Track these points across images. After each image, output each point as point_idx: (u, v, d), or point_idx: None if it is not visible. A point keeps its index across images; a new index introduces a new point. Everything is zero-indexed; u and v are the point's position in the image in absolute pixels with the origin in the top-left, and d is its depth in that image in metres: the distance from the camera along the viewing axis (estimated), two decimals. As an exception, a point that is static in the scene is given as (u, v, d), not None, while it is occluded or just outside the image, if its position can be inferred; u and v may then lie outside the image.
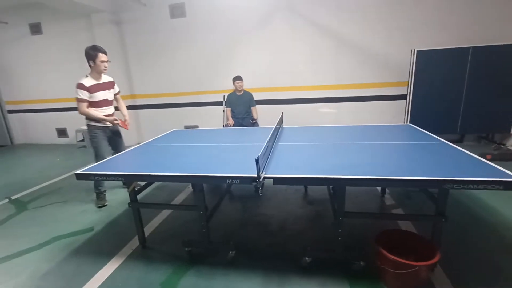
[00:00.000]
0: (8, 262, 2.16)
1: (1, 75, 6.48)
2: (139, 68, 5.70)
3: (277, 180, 1.54)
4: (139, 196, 2.15)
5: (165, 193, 3.28)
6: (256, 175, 1.50)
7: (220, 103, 5.23)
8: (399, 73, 4.60)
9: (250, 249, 2.11)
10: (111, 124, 2.97)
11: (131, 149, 2.52)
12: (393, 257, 1.52)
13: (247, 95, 4.57)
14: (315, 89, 5.01)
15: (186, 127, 5.73)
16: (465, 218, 2.37)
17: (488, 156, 3.61)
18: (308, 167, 1.75)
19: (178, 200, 3.10)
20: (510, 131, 4.00)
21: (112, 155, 2.77)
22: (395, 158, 1.87)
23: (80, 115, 2.81)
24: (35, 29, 5.91)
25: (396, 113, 4.78)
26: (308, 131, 2.88)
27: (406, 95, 4.50)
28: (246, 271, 1.87)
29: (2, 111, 6.68)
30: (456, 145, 2.00)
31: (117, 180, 1.81)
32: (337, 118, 5.03)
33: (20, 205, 3.23)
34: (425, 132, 2.48)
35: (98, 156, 2.84)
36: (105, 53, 2.76)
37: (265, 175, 1.55)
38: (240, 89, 4.49)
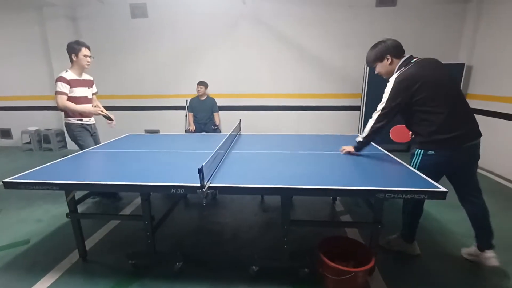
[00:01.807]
0: None
1: None
2: (94, 68, 5.36)
3: (222, 190, 1.54)
4: (84, 206, 2.02)
5: (116, 201, 3.11)
6: (199, 184, 1.48)
7: (182, 108, 5.12)
8: (354, 86, 4.90)
9: (200, 259, 2.07)
10: (93, 122, 2.89)
11: (76, 154, 2.36)
12: (331, 263, 1.59)
13: (210, 101, 4.54)
14: (276, 97, 5.14)
15: (146, 131, 5.52)
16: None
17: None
18: (256, 176, 1.77)
19: (129, 209, 2.96)
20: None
21: None
22: (340, 168, 1.96)
23: (61, 109, 2.63)
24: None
25: (351, 123, 5.06)
26: (264, 139, 2.92)
27: (360, 106, 4.82)
28: (193, 283, 1.82)
29: None
30: (403, 154, 2.17)
31: (52, 189, 1.67)
32: (297, 127, 5.19)
33: None
34: (371, 144, 2.64)
35: None
36: (88, 48, 2.69)
37: (210, 185, 1.54)
38: (202, 94, 4.45)
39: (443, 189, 1.40)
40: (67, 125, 2.75)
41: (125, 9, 4.99)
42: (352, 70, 4.84)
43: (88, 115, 2.79)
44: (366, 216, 2.65)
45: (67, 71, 2.66)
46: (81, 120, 2.76)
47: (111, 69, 5.35)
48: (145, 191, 1.75)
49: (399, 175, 1.74)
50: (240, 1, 4.68)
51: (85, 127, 2.80)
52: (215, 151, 1.83)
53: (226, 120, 4.81)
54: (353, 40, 4.72)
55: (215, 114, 4.57)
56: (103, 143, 2.78)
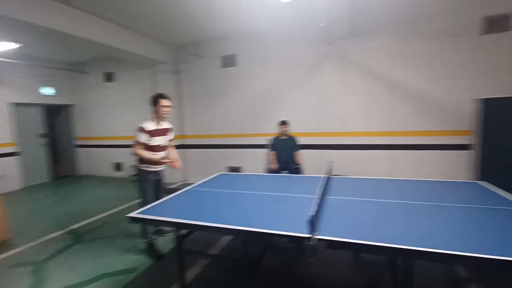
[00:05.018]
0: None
1: (77, 115, 7.54)
2: (191, 111, 6.17)
3: (332, 244, 1.41)
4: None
5: (207, 236, 3.22)
6: (308, 235, 1.39)
7: (262, 146, 5.28)
8: (460, 121, 4.25)
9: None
10: (161, 168, 3.02)
11: (180, 193, 2.57)
12: None
13: (292, 140, 4.56)
14: (365, 135, 4.82)
15: (229, 167, 5.84)
16: None
17: None
18: (365, 230, 1.57)
19: (220, 244, 3.02)
20: None
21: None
22: (472, 227, 1.60)
23: (134, 156, 2.86)
24: (109, 77, 6.95)
25: (458, 164, 4.31)
26: (359, 184, 2.69)
27: (468, 145, 4.11)
28: None
29: (72, 146, 7.64)
30: None
31: (167, 226, 1.82)
32: (391, 168, 4.70)
33: (76, 236, 3.44)
34: (502, 194, 2.14)
35: (145, 202, 2.74)
36: (168, 99, 2.87)
37: (318, 237, 1.43)
38: (284, 133, 4.51)
39: None
40: (138, 170, 2.93)
41: (217, 60, 5.70)
42: (456, 104, 4.23)
43: (156, 163, 2.91)
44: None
45: (150, 120, 2.85)
46: (150, 167, 2.91)
47: (203, 112, 6.03)
48: (248, 237, 1.74)
49: None
50: (324, 42, 4.80)
51: (152, 173, 2.94)
52: (317, 199, 1.73)
53: (310, 159, 4.72)
54: (456, 71, 4.19)
55: (297, 152, 4.53)
56: (200, 182, 2.98)
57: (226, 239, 3.15)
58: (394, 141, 4.66)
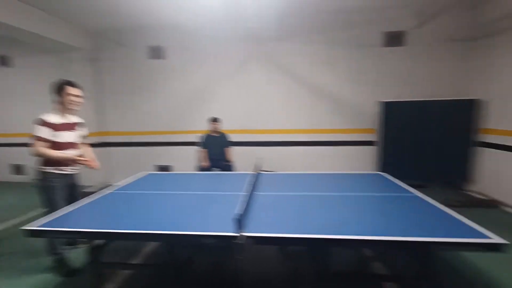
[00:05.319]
0: None
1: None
2: (114, 105, 5.56)
3: (260, 240, 1.46)
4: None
5: (130, 243, 2.95)
6: (235, 234, 1.41)
7: (193, 143, 5.14)
8: (367, 121, 4.95)
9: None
10: (75, 171, 2.51)
11: (98, 198, 2.30)
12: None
13: (223, 137, 4.56)
14: (290, 132, 5.19)
15: (157, 166, 5.51)
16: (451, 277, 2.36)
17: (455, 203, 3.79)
18: (290, 224, 1.68)
19: (146, 251, 2.81)
20: (468, 178, 4.41)
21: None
22: (376, 213, 1.87)
23: (35, 156, 2.28)
24: (3, 61, 5.69)
25: (365, 159, 5.03)
26: (284, 179, 2.86)
27: (374, 141, 4.82)
28: None
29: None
30: (420, 190, 2.09)
31: (80, 239, 1.60)
32: (312, 163, 5.15)
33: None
34: (398, 183, 2.57)
35: (52, 212, 2.11)
36: (75, 86, 2.38)
37: (246, 234, 1.46)
38: (215, 130, 4.48)
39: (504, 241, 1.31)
40: (42, 173, 2.35)
41: (144, 51, 5.27)
42: (364, 106, 4.92)
43: (68, 163, 2.40)
44: (397, 261, 2.48)
45: (52, 112, 2.36)
46: (59, 169, 2.37)
47: (128, 107, 5.51)
48: (175, 241, 1.66)
49: (448, 223, 1.63)
50: (252, 43, 4.93)
51: (62, 177, 2.41)
52: (245, 196, 1.77)
53: (240, 156, 4.79)
54: (363, 77, 4.86)
55: (228, 149, 4.56)
56: (124, 183, 2.72)
57: (152, 245, 2.95)
58: (315, 138, 5.15)
